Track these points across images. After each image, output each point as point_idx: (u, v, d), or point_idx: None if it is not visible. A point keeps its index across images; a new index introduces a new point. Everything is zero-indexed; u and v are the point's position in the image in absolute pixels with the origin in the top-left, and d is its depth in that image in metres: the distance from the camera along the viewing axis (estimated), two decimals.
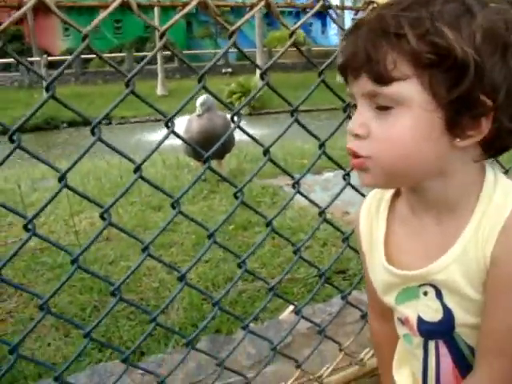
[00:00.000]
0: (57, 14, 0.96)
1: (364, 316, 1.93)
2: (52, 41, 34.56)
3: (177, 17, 1.16)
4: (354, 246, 1.77)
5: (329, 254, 3.37)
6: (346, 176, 1.67)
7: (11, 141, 1.02)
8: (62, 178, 1.11)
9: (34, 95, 20.26)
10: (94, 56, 1.15)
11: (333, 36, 41.10)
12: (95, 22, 1.01)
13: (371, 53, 0.80)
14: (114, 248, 3.61)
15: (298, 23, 1.37)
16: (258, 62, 21.16)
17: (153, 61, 24.27)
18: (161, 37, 1.17)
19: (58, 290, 1.23)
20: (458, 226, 0.89)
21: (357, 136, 0.86)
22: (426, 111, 0.80)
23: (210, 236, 1.42)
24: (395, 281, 0.98)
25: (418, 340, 1.01)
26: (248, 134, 1.45)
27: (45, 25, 32.08)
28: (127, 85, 1.15)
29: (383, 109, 0.83)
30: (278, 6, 1.31)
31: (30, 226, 1.09)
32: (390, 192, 1.03)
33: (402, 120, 0.81)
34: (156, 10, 21.27)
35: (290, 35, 1.37)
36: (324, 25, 42.97)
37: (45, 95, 1.04)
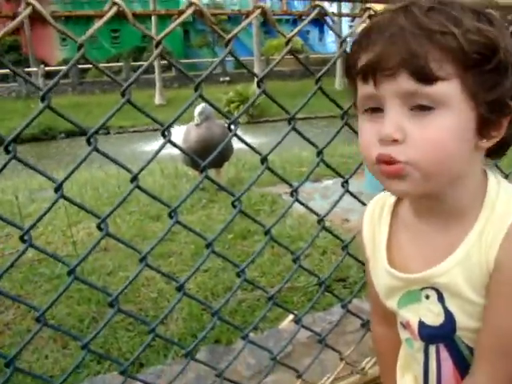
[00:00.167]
0: (52, 24, 0.97)
1: (365, 324, 1.92)
2: (49, 51, 34.68)
3: (173, 25, 1.16)
4: (353, 253, 1.77)
5: (329, 262, 3.36)
6: (345, 183, 1.67)
7: (7, 151, 1.02)
8: (58, 189, 1.11)
9: (31, 105, 20.25)
10: (91, 66, 1.15)
11: (330, 43, 41.25)
12: (90, 31, 1.01)
13: (415, 51, 0.77)
14: (112, 258, 3.60)
15: (295, 31, 1.37)
16: (256, 70, 21.20)
17: (150, 70, 24.37)
18: (156, 45, 1.17)
19: (55, 302, 1.22)
20: (462, 230, 0.89)
21: (394, 141, 0.81)
22: (463, 112, 0.80)
23: (209, 245, 1.42)
24: (397, 284, 0.98)
25: (418, 344, 1.01)
26: (245, 143, 1.46)
27: (42, 35, 32.17)
28: (123, 94, 1.15)
29: (421, 109, 0.80)
30: (274, 14, 1.32)
31: (26, 237, 1.09)
32: (392, 198, 1.03)
33: (441, 121, 0.80)
34: (153, 19, 21.36)
35: (287, 43, 1.38)
36: (321, 32, 43.09)
37: (41, 105, 1.04)
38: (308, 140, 1.57)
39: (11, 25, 0.96)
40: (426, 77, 0.78)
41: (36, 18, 0.98)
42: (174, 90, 26.44)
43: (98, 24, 1.02)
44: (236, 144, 5.03)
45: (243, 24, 1.27)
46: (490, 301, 0.88)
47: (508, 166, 1.75)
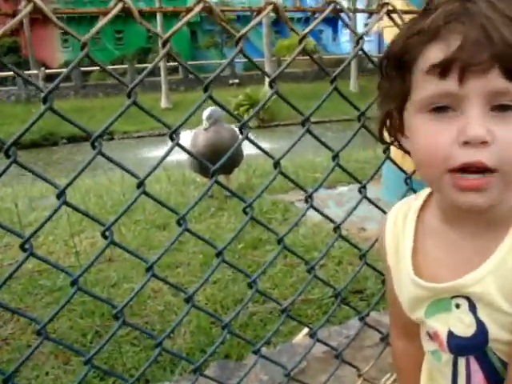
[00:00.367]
0: (54, 21, 0.97)
1: (384, 339, 1.91)
2: (50, 53, 34.98)
3: (181, 23, 1.17)
4: (371, 263, 1.76)
5: (344, 273, 3.35)
6: (362, 188, 1.67)
7: (7, 156, 1.02)
8: (60, 195, 1.11)
9: (32, 110, 20.41)
10: (95, 68, 1.15)
11: (345, 43, 41.29)
12: (94, 29, 1.01)
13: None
14: (116, 269, 3.60)
15: (309, 27, 1.37)
16: (267, 71, 21.24)
17: (156, 72, 24.49)
18: (164, 44, 1.17)
19: (57, 314, 1.22)
20: (495, 237, 0.88)
21: (482, 143, 0.77)
22: None
23: (219, 254, 1.42)
24: (424, 294, 0.97)
25: (447, 356, 0.99)
26: (257, 146, 1.45)
27: (42, 36, 32.48)
28: (129, 95, 1.15)
29: (501, 109, 0.78)
30: (286, 11, 1.32)
31: (26, 246, 1.09)
32: (417, 203, 1.02)
33: None
34: (158, 19, 21.48)
35: (300, 41, 1.38)
36: (335, 31, 43.21)
37: (43, 108, 1.05)
38: (323, 143, 1.57)
39: (11, 23, 0.96)
40: None
41: (36, 19, 0.99)
42: (180, 93, 26.57)
43: (102, 21, 1.02)
44: (246, 149, 5.04)
45: (255, 21, 1.27)
46: None
47: None
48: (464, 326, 0.93)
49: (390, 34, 4.15)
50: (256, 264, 3.54)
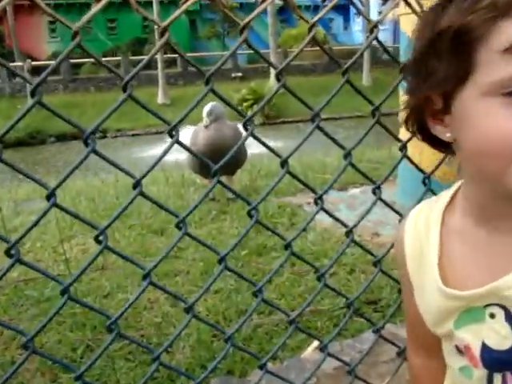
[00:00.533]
0: (42, 8, 0.97)
1: (401, 353, 1.91)
2: (36, 43, 34.99)
3: (180, 10, 1.17)
4: (386, 271, 1.76)
5: (357, 282, 3.34)
6: (377, 189, 1.66)
7: None
8: (50, 196, 1.11)
9: (18, 106, 20.47)
10: (85, 60, 1.15)
11: (357, 33, 41.29)
12: (87, 16, 1.01)
13: None
14: (109, 279, 3.60)
15: (319, 14, 1.37)
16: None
17: (152, 65, 24.50)
18: (162, 34, 1.17)
19: (45, 327, 1.22)
20: None
21: None
22: None
23: (221, 260, 1.42)
24: (454, 304, 0.94)
25: (480, 373, 0.95)
26: (262, 143, 1.45)
27: (28, 25, 32.45)
28: (124, 89, 1.15)
29: None
30: None
31: (13, 251, 1.09)
32: (439, 205, 1.01)
33: None
34: (155, 6, 21.54)
35: (309, 29, 1.37)
36: (346, 20, 43.19)
37: (30, 103, 1.05)
38: (334, 140, 1.56)
39: None
40: None
41: (21, 5, 0.99)
42: (178, 87, 26.60)
43: (95, 8, 1.02)
44: (250, 149, 5.03)
45: (260, 7, 1.27)
46: None
47: None
48: (500, 337, 0.91)
49: (406, 22, 4.14)
50: (261, 272, 3.53)
